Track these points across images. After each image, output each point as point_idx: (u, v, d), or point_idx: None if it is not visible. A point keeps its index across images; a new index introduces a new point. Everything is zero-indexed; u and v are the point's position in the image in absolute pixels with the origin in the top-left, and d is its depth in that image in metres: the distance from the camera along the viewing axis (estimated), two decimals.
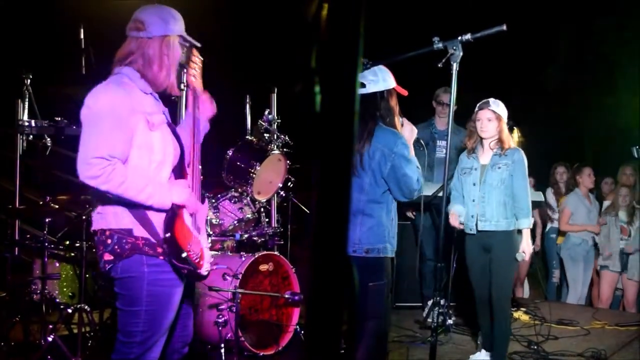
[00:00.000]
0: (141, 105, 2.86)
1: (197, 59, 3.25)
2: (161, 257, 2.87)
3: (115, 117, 2.76)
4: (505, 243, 4.72)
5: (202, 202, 3.17)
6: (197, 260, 2.93)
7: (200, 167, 3.16)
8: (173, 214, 2.87)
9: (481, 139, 4.82)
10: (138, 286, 2.87)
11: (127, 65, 2.94)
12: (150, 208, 2.84)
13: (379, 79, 3.71)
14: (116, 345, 2.95)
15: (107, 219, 2.88)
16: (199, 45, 3.13)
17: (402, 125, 3.84)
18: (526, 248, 4.73)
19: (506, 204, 4.70)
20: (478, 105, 4.80)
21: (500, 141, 4.75)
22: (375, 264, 3.69)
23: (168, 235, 2.82)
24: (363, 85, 3.70)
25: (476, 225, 4.76)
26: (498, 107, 4.75)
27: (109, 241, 2.85)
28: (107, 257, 2.86)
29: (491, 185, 4.73)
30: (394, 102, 3.77)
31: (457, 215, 4.87)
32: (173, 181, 2.97)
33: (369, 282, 3.66)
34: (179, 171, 3.02)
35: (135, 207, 2.83)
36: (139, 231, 2.85)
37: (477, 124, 4.77)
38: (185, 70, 3.24)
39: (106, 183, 2.71)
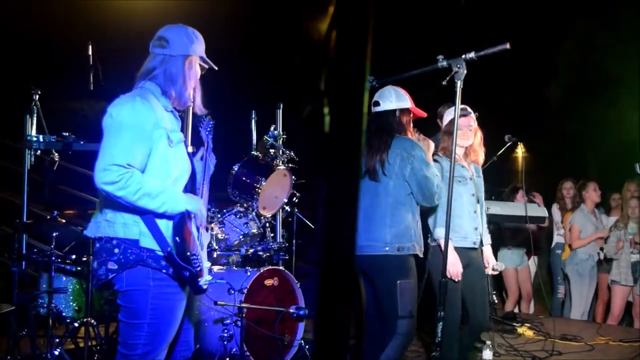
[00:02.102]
0: (163, 121, 2.92)
1: (211, 121, 3.42)
2: (164, 271, 2.91)
3: (138, 128, 2.82)
4: (481, 259, 4.58)
5: (206, 230, 3.24)
6: (198, 269, 2.97)
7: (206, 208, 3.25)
8: (183, 218, 2.91)
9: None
10: (143, 300, 2.90)
11: (149, 80, 3.00)
12: (162, 215, 2.88)
13: (392, 99, 4.14)
14: (117, 358, 2.98)
15: (116, 227, 2.91)
16: (216, 68, 3.20)
17: (418, 141, 4.19)
18: (492, 261, 4.64)
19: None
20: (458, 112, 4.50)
21: (474, 152, 4.55)
22: (404, 262, 4.02)
23: (177, 238, 2.87)
24: (378, 104, 4.17)
25: (481, 239, 4.51)
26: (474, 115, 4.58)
27: (116, 250, 2.89)
28: (112, 265, 2.90)
29: (481, 198, 4.58)
30: (405, 120, 4.17)
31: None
32: (188, 194, 3.04)
33: (398, 280, 3.96)
34: (190, 190, 3.08)
35: (145, 215, 2.87)
36: (146, 242, 2.89)
37: (460, 132, 4.27)
38: (201, 127, 3.36)
39: (123, 189, 2.76)
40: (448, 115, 4.57)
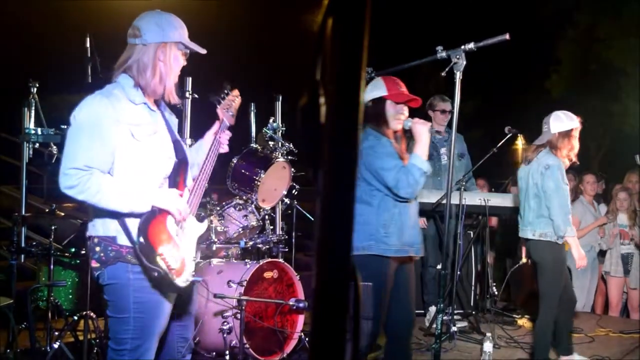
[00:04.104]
0: (127, 116, 2.85)
1: (233, 96, 3.36)
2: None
3: (95, 128, 2.78)
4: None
5: (201, 221, 3.17)
6: (170, 267, 2.86)
7: (204, 189, 3.18)
8: (150, 215, 2.84)
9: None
10: (125, 293, 2.87)
11: (123, 72, 2.95)
12: (130, 214, 2.83)
13: (367, 90, 3.94)
14: (108, 353, 2.97)
15: (96, 227, 2.91)
16: (203, 52, 3.10)
17: (407, 128, 3.97)
18: None
19: None
20: (576, 119, 4.90)
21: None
22: (360, 263, 3.73)
23: (140, 238, 2.79)
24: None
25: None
26: None
27: (97, 248, 2.88)
28: (94, 264, 2.90)
29: None
30: (378, 110, 3.95)
31: None
32: (163, 188, 2.96)
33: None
34: (173, 181, 3.00)
35: (117, 215, 2.84)
36: (123, 239, 2.86)
37: (574, 139, 4.90)
38: (217, 104, 3.32)
39: (82, 193, 2.73)
40: (568, 120, 4.88)
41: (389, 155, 3.83)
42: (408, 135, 4.10)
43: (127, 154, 2.85)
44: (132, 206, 2.81)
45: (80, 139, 2.78)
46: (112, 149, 2.81)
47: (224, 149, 3.35)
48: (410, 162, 3.80)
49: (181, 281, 2.92)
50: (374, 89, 3.98)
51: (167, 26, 2.96)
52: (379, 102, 3.96)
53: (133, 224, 2.84)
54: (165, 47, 2.95)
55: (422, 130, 3.88)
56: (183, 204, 2.97)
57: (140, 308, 2.87)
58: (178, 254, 2.93)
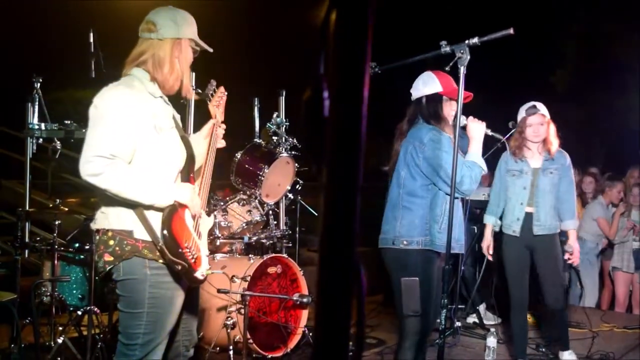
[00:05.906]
0: (149, 109, 2.87)
1: (221, 93, 3.38)
2: (161, 261, 2.86)
3: (121, 117, 2.78)
4: (552, 245, 4.96)
5: (208, 215, 3.19)
6: (192, 261, 2.90)
7: (209, 187, 3.20)
8: (172, 210, 2.85)
9: (526, 142, 4.92)
10: (140, 289, 2.87)
11: (137, 66, 2.96)
12: (151, 207, 2.84)
13: (420, 86, 3.95)
14: (118, 347, 2.96)
15: (110, 219, 2.89)
16: (210, 50, 3.14)
17: (462, 125, 3.89)
18: (575, 247, 5.03)
19: (554, 208, 4.93)
20: (525, 111, 4.91)
21: (548, 143, 4.87)
22: (411, 257, 3.78)
23: (165, 232, 2.79)
24: (411, 93, 4.01)
25: (522, 228, 4.90)
26: (545, 110, 4.90)
27: (111, 242, 2.86)
28: (107, 257, 2.87)
29: (544, 190, 4.89)
30: (434, 106, 3.92)
31: (492, 227, 5.12)
32: (179, 183, 2.98)
33: (404, 276, 3.74)
34: (185, 176, 3.02)
35: (136, 207, 2.84)
36: (140, 233, 2.85)
37: (529, 130, 4.86)
38: (208, 100, 3.34)
39: (106, 181, 2.71)
40: (519, 114, 4.96)
41: (453, 149, 3.70)
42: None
43: (149, 145, 2.85)
44: (154, 199, 2.81)
45: (105, 126, 2.76)
46: (134, 139, 2.80)
47: (221, 143, 3.38)
48: (471, 160, 3.81)
49: (200, 274, 2.96)
50: (427, 85, 3.93)
51: (182, 22, 2.99)
52: (435, 98, 3.92)
53: (153, 217, 2.84)
54: (180, 43, 2.98)
55: (478, 128, 3.90)
56: (198, 199, 3.01)
57: (155, 303, 2.87)
58: (196, 248, 2.96)
